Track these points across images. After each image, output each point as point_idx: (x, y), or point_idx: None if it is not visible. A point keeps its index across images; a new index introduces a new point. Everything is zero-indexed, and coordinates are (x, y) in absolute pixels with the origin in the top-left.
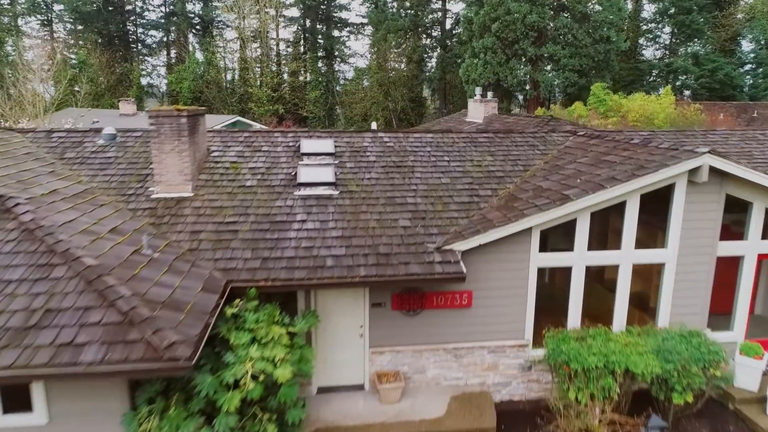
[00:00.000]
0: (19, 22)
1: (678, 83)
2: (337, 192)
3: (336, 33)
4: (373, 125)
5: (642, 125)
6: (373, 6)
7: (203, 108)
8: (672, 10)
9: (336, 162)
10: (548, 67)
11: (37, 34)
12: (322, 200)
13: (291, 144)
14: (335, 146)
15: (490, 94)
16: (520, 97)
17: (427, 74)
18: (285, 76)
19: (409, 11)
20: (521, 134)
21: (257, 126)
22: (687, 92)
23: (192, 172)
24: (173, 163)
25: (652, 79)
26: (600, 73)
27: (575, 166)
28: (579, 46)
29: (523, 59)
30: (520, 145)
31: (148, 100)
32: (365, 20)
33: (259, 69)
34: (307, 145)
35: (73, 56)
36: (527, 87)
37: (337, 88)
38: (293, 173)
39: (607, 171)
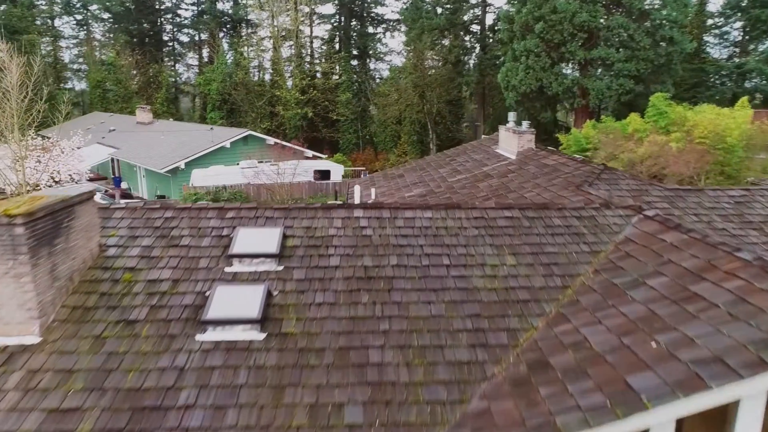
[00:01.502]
0: (57, 22)
1: (750, 86)
2: (263, 336)
3: (371, 30)
4: (356, 191)
5: (711, 143)
6: (409, 2)
7: (82, 194)
8: (744, 3)
9: (279, 269)
10: (599, 73)
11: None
12: (234, 355)
13: (224, 233)
14: (286, 235)
15: (525, 123)
16: (567, 105)
17: (464, 77)
18: (318, 75)
19: (446, 6)
20: (560, 212)
21: (271, 141)
22: (759, 97)
23: (43, 304)
24: (8, 293)
25: (719, 81)
26: (659, 79)
27: (645, 295)
28: (636, 48)
29: (571, 64)
30: (558, 232)
31: (183, 99)
32: (401, 17)
33: (289, 70)
34: (243, 239)
35: (106, 56)
36: (575, 94)
37: (373, 86)
38: (208, 292)
39: (704, 328)
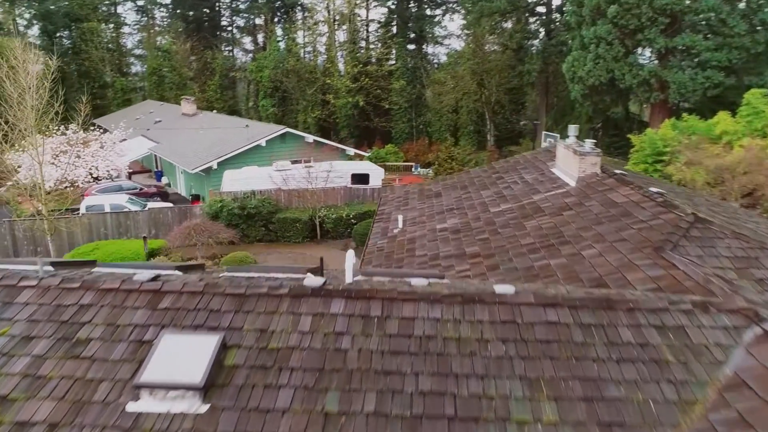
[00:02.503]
0: (119, 9)
1: None
2: None
3: (429, 12)
4: (348, 265)
5: None
6: None
7: None
8: None
9: (202, 411)
10: (682, 63)
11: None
12: None
13: (147, 336)
14: (227, 345)
15: (589, 142)
16: (642, 99)
17: (526, 64)
18: (372, 60)
19: None
20: (631, 315)
21: (310, 139)
22: None
23: None
24: None
25: None
26: (756, 69)
27: None
28: (728, 34)
29: (649, 53)
30: (627, 356)
31: (240, 85)
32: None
33: (342, 56)
34: (164, 354)
35: (165, 42)
36: (651, 87)
37: (429, 71)
38: None
39: None
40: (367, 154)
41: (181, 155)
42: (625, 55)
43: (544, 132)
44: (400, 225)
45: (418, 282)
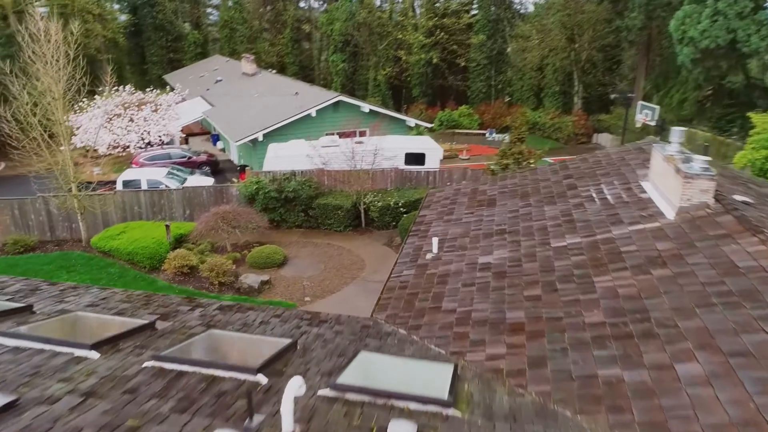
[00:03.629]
0: None
1: None
2: None
3: None
4: (287, 407)
5: None
6: None
7: None
8: None
9: None
10: None
11: None
12: None
13: None
14: None
15: (699, 161)
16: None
17: (626, 20)
18: (450, 11)
19: None
20: None
21: (366, 108)
22: None
23: None
24: None
25: None
26: None
27: None
28: None
29: None
30: None
31: (314, 38)
32: None
33: (417, 6)
34: None
35: None
36: None
37: (514, 23)
38: None
39: None
40: (429, 126)
41: (230, 122)
42: (753, 11)
43: (640, 102)
44: (435, 250)
45: (401, 429)
